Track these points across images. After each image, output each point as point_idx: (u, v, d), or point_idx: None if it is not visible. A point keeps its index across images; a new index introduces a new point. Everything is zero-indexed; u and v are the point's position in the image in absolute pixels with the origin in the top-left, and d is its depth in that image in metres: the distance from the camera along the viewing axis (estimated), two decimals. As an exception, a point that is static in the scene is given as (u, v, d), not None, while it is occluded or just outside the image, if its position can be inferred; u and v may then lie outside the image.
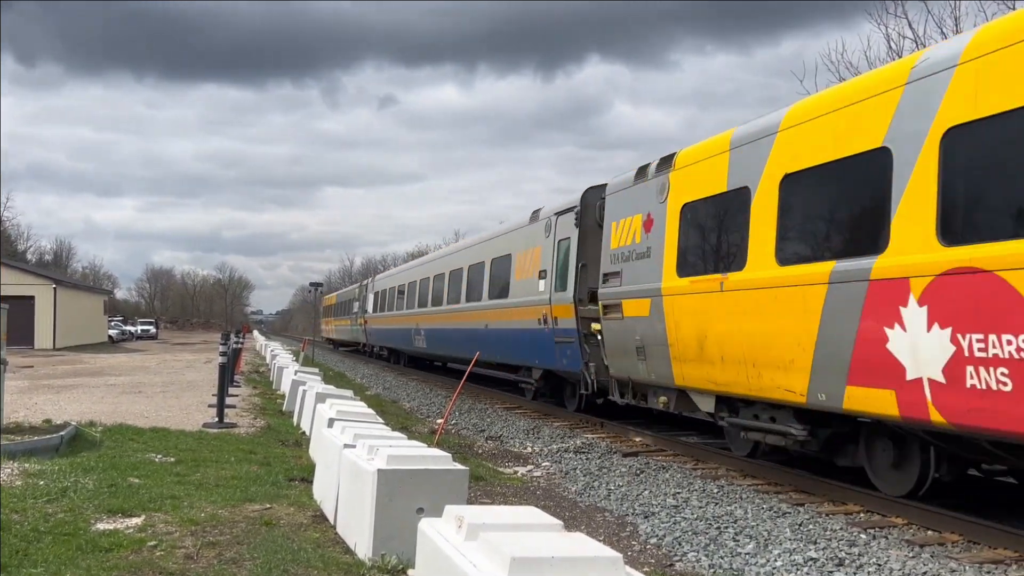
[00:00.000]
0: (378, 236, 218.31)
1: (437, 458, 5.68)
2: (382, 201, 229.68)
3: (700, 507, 7.87)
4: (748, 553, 6.34)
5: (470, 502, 6.96)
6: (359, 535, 5.56)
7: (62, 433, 9.59)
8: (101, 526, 6.13)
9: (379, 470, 5.36)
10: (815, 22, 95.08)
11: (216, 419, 12.38)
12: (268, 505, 7.00)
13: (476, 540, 3.39)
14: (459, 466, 5.69)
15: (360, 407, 9.37)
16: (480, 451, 11.50)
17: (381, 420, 8.86)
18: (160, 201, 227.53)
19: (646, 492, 8.59)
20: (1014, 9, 15.46)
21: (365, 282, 40.76)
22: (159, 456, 9.19)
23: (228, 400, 14.15)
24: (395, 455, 5.52)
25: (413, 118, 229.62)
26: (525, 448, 11.86)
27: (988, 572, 5.82)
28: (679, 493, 8.50)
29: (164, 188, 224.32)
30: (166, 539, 5.82)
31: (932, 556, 6.17)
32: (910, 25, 21.53)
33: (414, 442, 6.74)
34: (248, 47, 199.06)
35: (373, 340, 37.41)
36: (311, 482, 7.78)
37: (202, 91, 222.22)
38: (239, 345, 23.92)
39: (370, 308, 36.36)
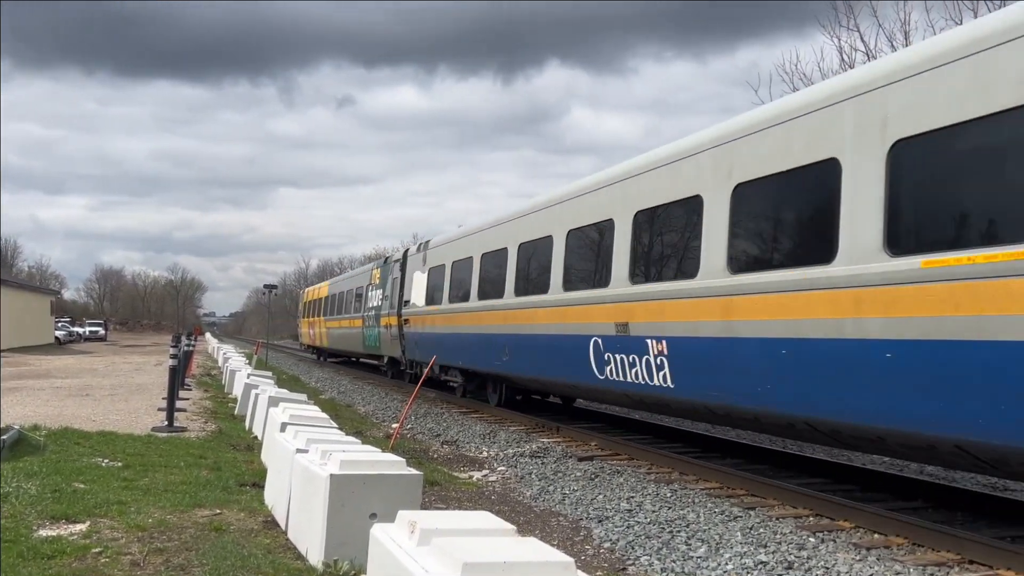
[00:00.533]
0: (333, 238, 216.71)
1: (391, 463, 5.64)
2: (338, 203, 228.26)
3: (653, 511, 7.93)
4: (700, 557, 6.40)
5: (424, 507, 6.93)
6: (311, 541, 5.51)
7: (4, 437, 9.32)
8: (44, 532, 5.98)
9: (332, 475, 5.32)
10: (770, 33, 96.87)
11: (166, 423, 12.15)
12: (218, 510, 6.89)
13: (428, 545, 3.37)
14: (413, 471, 5.66)
15: (313, 411, 9.28)
16: (435, 456, 11.46)
17: (335, 425, 8.79)
18: (111, 200, 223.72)
19: (600, 496, 8.63)
20: (962, 23, 15.79)
21: (395, 257, 23.76)
22: (106, 460, 8.99)
23: (178, 404, 13.89)
24: (348, 460, 5.48)
25: (371, 119, 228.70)
26: (481, 453, 11.85)
27: (931, 574, 5.95)
28: (633, 497, 8.55)
29: (115, 187, 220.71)
30: (112, 545, 5.70)
31: (878, 559, 6.29)
32: (862, 38, 21.99)
33: (368, 447, 6.69)
34: (203, 44, 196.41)
35: (421, 353, 19.80)
36: (263, 487, 7.67)
37: (155, 88, 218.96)
38: (190, 348, 23.51)
39: (417, 298, 20.04)
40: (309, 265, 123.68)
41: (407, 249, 22.59)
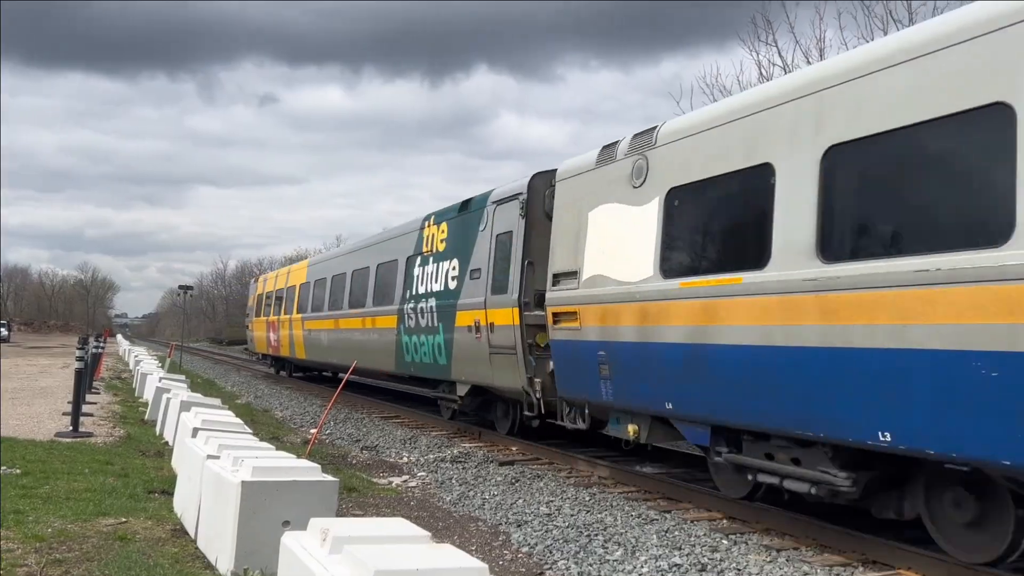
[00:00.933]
0: (254, 239, 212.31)
1: (305, 469, 5.53)
2: (259, 202, 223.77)
3: (572, 515, 7.98)
4: (616, 560, 6.47)
5: (342, 514, 6.83)
6: (221, 549, 5.35)
7: None
8: (-69, 545, 5.65)
9: (243, 482, 5.18)
10: (692, 45, 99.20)
11: (70, 428, 11.67)
12: (123, 519, 6.63)
13: (340, 553, 3.30)
14: (328, 477, 5.56)
15: (227, 416, 9.05)
16: (354, 462, 11.29)
17: (249, 430, 8.58)
18: (17, 195, 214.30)
19: (520, 501, 8.64)
20: (869, 41, 16.47)
21: (499, 195, 12.40)
22: (3, 468, 8.57)
23: (85, 408, 13.39)
24: (261, 466, 5.35)
25: (295, 118, 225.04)
26: (401, 458, 11.73)
27: (837, 574, 6.14)
28: (552, 501, 8.59)
29: (22, 181, 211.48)
30: (6, 557, 5.42)
31: (787, 560, 6.46)
32: (779, 53, 22.66)
33: (282, 453, 6.55)
34: (119, 35, 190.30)
35: (621, 389, 8.88)
36: (172, 494, 7.43)
37: (67, 80, 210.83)
38: (100, 350, 22.67)
39: (609, 262, 9.10)
40: (227, 266, 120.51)
41: (537, 174, 11.45)
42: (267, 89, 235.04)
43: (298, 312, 24.01)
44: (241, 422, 8.88)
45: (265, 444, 7.12)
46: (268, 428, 13.88)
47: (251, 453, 6.00)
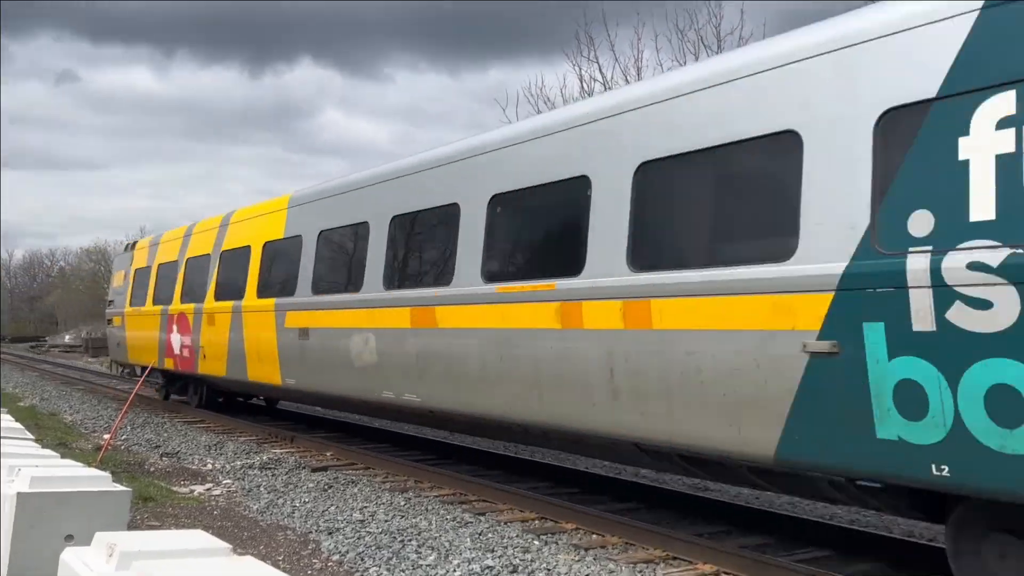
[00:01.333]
0: (45, 227, 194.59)
1: (92, 479, 5.08)
2: (51, 188, 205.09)
3: (386, 520, 7.85)
4: (429, 565, 6.41)
5: (135, 527, 6.35)
6: (-10, 569, 4.80)
7: None
8: None
9: (19, 493, 4.69)
10: (519, 55, 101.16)
11: None
12: None
13: (128, 570, 3.03)
14: (119, 487, 5.14)
15: (6, 421, 8.20)
16: (153, 469, 10.57)
17: (31, 436, 7.82)
18: None
19: (332, 507, 8.40)
20: (682, 64, 17.43)
21: None
22: None
23: None
24: (41, 476, 4.86)
25: (96, 99, 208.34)
26: (205, 465, 11.10)
27: (640, 571, 6.39)
28: (366, 507, 8.41)
29: None
30: None
31: (595, 559, 6.65)
32: (600, 70, 23.64)
33: (68, 461, 6.01)
34: None
35: None
36: (-67, 509, 6.62)
37: None
38: None
39: None
40: (13, 256, 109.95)
41: None
42: (65, 65, 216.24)
43: (262, 297, 12.81)
44: (22, 427, 8.08)
45: (49, 451, 6.50)
46: (55, 433, 12.75)
47: (31, 461, 5.45)
